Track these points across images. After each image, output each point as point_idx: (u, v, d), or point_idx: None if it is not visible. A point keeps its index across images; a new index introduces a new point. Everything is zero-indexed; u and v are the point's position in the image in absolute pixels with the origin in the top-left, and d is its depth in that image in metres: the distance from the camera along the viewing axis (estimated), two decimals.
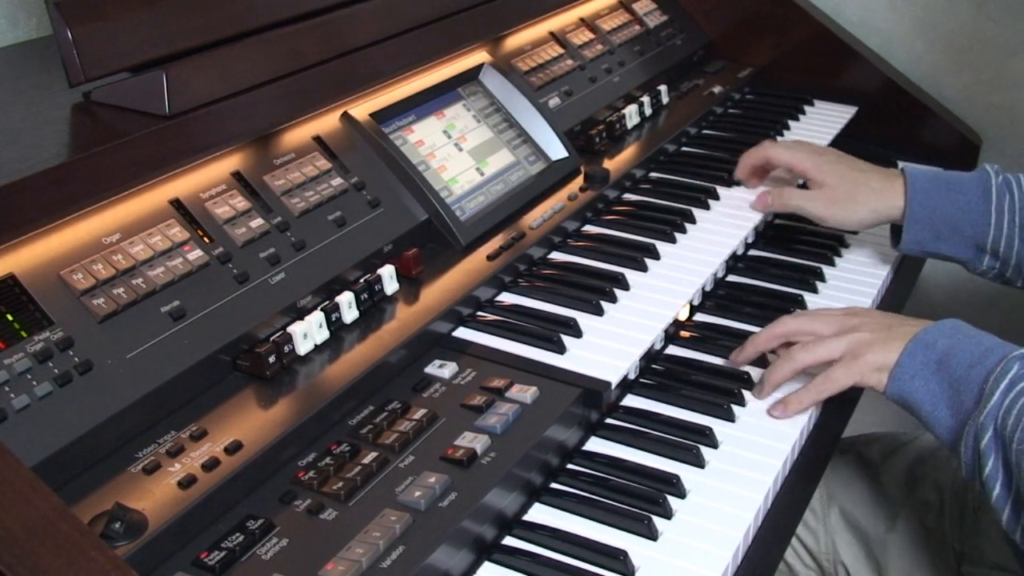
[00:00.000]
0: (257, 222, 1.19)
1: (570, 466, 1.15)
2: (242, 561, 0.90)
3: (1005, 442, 1.02)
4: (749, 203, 1.62)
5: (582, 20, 1.89)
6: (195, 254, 1.11)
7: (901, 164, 1.92)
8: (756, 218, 1.59)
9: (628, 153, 1.71)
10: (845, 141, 1.96)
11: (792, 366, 1.23)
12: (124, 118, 1.16)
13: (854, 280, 1.54)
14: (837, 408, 1.28)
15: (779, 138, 1.89)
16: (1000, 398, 1.03)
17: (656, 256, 1.47)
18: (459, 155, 1.48)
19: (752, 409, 1.24)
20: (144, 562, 0.87)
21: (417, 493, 0.98)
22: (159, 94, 1.15)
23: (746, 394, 1.26)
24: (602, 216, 1.58)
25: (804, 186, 1.60)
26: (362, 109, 1.38)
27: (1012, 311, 2.09)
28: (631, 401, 1.25)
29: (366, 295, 1.22)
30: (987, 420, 1.04)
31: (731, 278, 1.55)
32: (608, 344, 1.26)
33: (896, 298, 1.59)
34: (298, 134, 1.31)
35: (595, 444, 1.19)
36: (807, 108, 2.02)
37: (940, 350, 1.13)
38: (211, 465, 0.96)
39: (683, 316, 1.41)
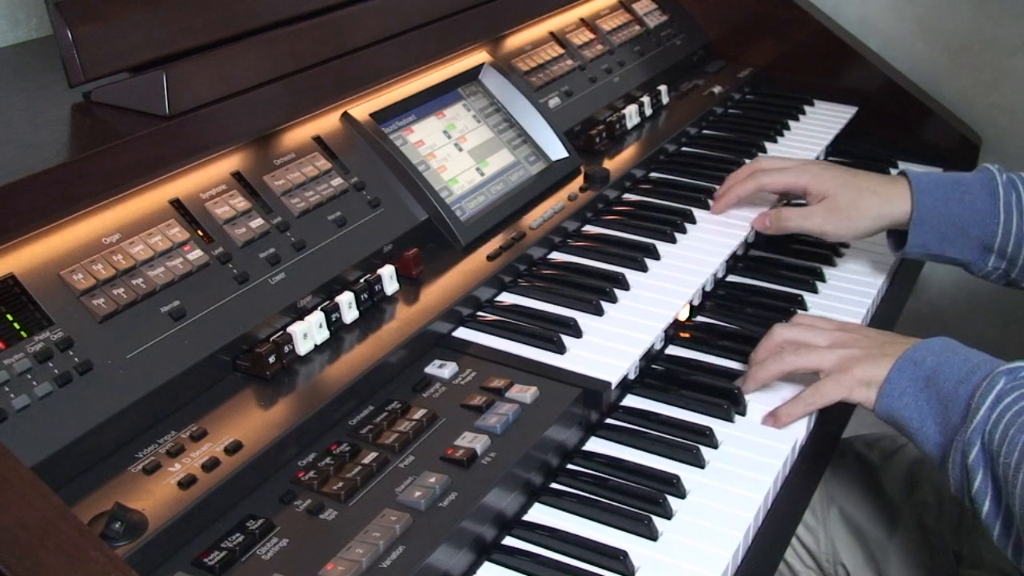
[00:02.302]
0: (257, 222, 1.19)
1: (570, 466, 1.15)
2: (242, 561, 0.90)
3: (993, 457, 1.02)
4: (748, 208, 1.61)
5: (582, 20, 1.89)
6: (195, 254, 1.11)
7: (901, 167, 1.94)
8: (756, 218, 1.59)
9: (628, 153, 1.71)
10: (845, 141, 1.97)
11: (780, 367, 1.23)
12: (124, 118, 1.16)
13: (854, 280, 1.54)
14: (837, 409, 1.28)
15: (779, 137, 1.89)
16: (987, 413, 1.03)
17: (656, 256, 1.47)
18: (459, 155, 1.48)
19: (752, 409, 1.24)
20: (144, 562, 0.87)
21: (417, 493, 0.98)
22: (159, 94, 1.15)
23: (746, 394, 1.26)
24: (602, 216, 1.58)
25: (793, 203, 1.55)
26: (362, 109, 1.38)
27: (1012, 313, 2.09)
28: (631, 401, 1.25)
29: (366, 295, 1.22)
30: (974, 436, 1.03)
31: (731, 278, 1.55)
32: (608, 344, 1.26)
33: (895, 299, 1.59)
34: (298, 134, 1.31)
35: (595, 444, 1.19)
36: (807, 108, 2.02)
37: (928, 367, 1.12)
38: (211, 465, 0.96)
39: (683, 316, 1.41)
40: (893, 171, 1.87)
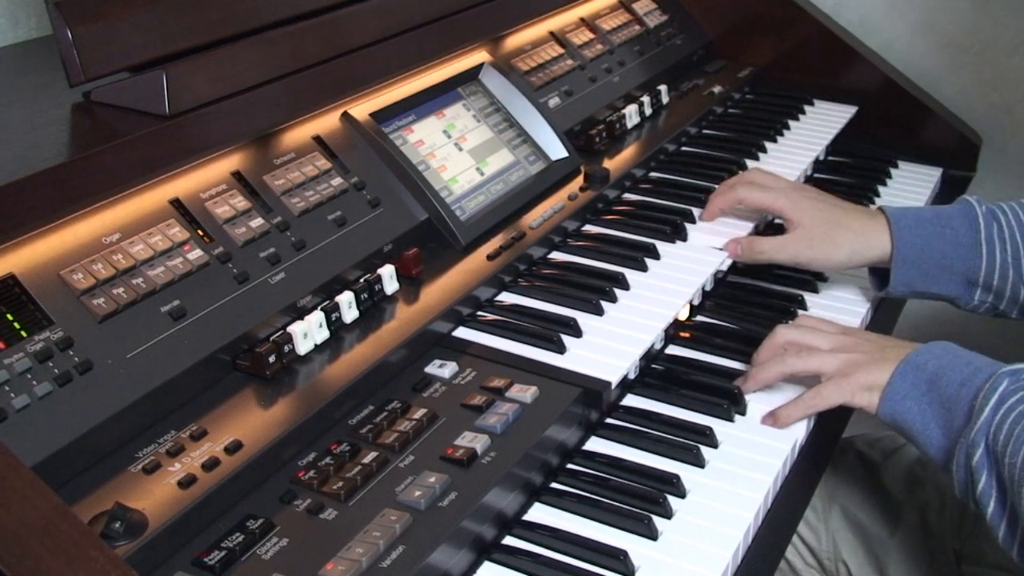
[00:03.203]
0: (257, 222, 1.19)
1: (570, 466, 1.15)
2: (242, 561, 0.90)
3: (998, 458, 1.02)
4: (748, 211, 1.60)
5: (582, 20, 1.89)
6: (195, 254, 1.11)
7: (901, 166, 1.94)
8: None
9: (628, 153, 1.71)
10: (845, 141, 1.97)
11: (782, 368, 1.23)
12: (124, 118, 1.16)
13: (855, 280, 1.54)
14: (838, 409, 1.28)
15: (779, 137, 1.89)
16: (990, 414, 1.03)
17: (656, 256, 1.46)
18: (459, 155, 1.48)
19: (752, 409, 1.24)
20: (144, 562, 0.87)
21: (417, 493, 0.98)
22: (159, 94, 1.15)
23: (746, 394, 1.26)
24: (602, 216, 1.58)
25: (776, 228, 1.52)
26: (362, 109, 1.38)
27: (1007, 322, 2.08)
28: (631, 401, 1.25)
29: (366, 295, 1.22)
30: (978, 436, 1.03)
31: (731, 278, 1.55)
32: (608, 344, 1.26)
33: (895, 301, 1.59)
34: (298, 134, 1.31)
35: (595, 444, 1.19)
36: (807, 108, 2.02)
37: (930, 370, 1.13)
38: (211, 465, 0.96)
39: (683, 316, 1.41)
40: (888, 178, 1.88)
